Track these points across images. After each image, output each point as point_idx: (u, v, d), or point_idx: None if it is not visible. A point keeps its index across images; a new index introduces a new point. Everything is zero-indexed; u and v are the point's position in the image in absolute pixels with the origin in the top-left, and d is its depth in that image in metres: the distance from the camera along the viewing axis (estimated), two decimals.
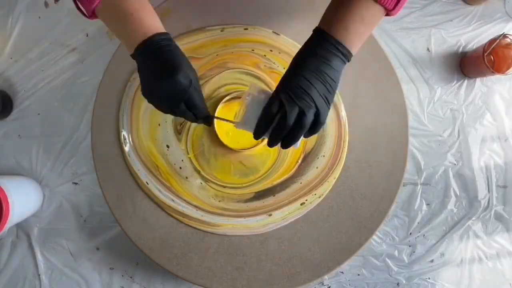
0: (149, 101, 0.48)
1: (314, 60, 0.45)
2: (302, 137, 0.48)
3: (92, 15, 0.48)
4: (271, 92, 0.47)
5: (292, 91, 0.44)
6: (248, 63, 0.69)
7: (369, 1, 0.45)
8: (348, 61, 0.47)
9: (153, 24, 0.47)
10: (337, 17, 0.46)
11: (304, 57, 0.46)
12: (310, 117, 0.44)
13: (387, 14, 0.47)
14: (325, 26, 0.46)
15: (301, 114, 0.44)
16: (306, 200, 0.67)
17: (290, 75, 0.46)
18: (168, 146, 0.68)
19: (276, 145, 0.48)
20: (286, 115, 0.44)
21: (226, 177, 0.67)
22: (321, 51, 0.45)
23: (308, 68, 0.45)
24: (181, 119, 0.68)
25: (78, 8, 0.48)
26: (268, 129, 0.47)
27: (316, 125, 0.46)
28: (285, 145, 0.47)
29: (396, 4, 0.45)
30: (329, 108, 0.46)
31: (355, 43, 0.46)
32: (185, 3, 0.71)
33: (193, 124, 0.68)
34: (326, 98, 0.45)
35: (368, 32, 0.47)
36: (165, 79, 0.44)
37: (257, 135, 0.48)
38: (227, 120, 0.52)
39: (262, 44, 0.70)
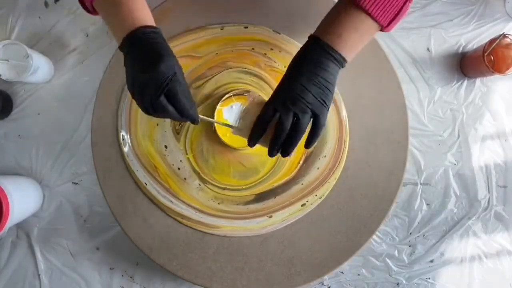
0: (132, 97, 0.45)
1: (309, 65, 0.45)
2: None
3: (93, 10, 0.49)
4: None
5: (287, 98, 0.45)
6: (248, 62, 0.69)
7: (363, 15, 0.46)
8: (343, 67, 0.48)
9: (141, 16, 0.46)
10: (331, 26, 0.47)
11: (299, 63, 0.47)
12: (305, 121, 0.45)
13: (381, 30, 0.48)
14: (319, 33, 0.47)
15: (296, 119, 0.45)
16: (307, 201, 0.67)
17: (284, 82, 0.47)
18: (166, 147, 0.68)
19: (276, 153, 0.48)
20: (282, 121, 0.45)
21: (225, 178, 0.67)
22: (315, 56, 0.46)
23: (303, 73, 0.45)
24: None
25: (82, 4, 0.49)
26: (261, 136, 0.48)
27: (316, 128, 0.46)
28: (284, 153, 0.48)
29: (391, 22, 0.46)
30: (327, 110, 0.47)
31: (348, 50, 0.47)
32: (185, 3, 0.70)
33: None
34: (324, 101, 0.45)
35: (361, 42, 0.48)
36: (147, 69, 0.42)
37: (251, 142, 0.48)
38: (225, 124, 0.53)
39: (263, 43, 0.69)
